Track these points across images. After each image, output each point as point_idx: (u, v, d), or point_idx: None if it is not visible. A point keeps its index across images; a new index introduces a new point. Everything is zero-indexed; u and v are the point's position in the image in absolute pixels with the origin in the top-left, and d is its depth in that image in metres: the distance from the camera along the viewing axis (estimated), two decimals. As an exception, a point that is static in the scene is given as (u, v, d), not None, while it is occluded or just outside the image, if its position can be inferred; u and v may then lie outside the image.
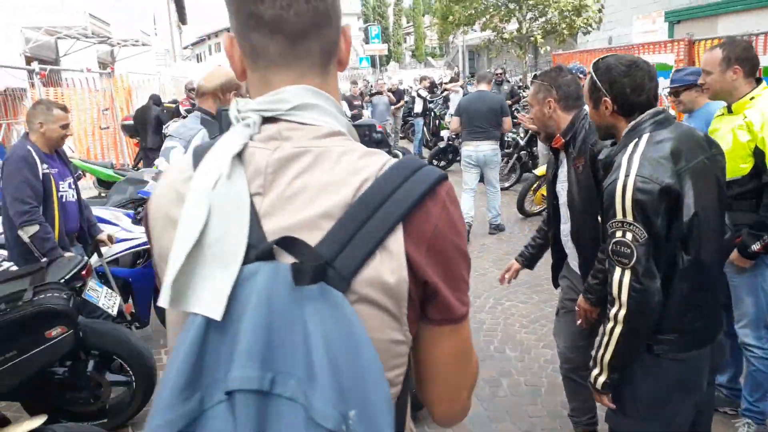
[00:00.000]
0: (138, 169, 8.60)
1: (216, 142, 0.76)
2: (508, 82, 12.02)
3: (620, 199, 1.68)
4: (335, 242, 0.68)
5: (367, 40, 43.04)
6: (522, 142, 9.00)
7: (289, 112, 0.76)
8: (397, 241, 0.70)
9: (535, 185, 7.38)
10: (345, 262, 0.68)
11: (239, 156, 0.73)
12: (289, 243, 0.67)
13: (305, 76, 0.79)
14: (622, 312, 1.70)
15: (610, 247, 1.72)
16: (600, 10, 17.39)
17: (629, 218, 1.67)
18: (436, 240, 0.74)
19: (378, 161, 0.74)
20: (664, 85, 7.88)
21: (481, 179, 6.83)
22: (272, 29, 0.75)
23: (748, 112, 2.58)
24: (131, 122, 8.97)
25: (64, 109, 3.40)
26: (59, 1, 9.50)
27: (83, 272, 2.79)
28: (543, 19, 17.97)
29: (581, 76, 4.86)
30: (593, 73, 1.91)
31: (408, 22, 54.62)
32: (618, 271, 1.70)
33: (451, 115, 12.13)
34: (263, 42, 0.77)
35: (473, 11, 18.22)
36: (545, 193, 6.54)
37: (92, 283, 3.05)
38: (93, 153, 9.65)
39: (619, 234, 1.69)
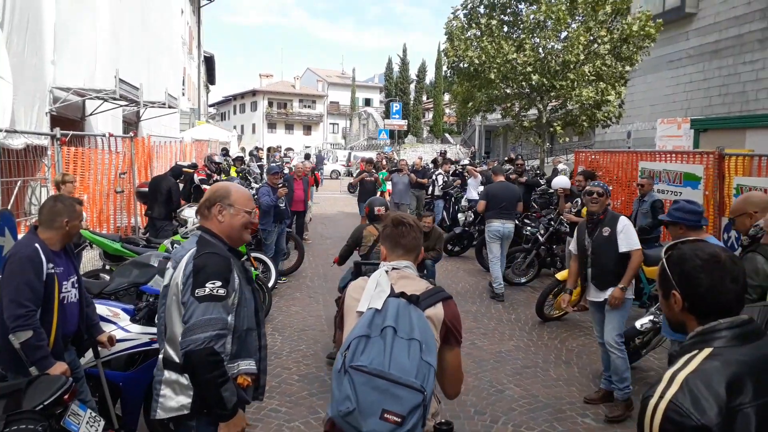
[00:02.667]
0: (146, 236, 8.42)
1: (374, 275, 2.21)
2: (528, 172, 11.91)
3: (649, 421, 1.41)
4: (419, 297, 2.10)
5: (387, 114, 44.12)
6: (542, 239, 8.75)
7: (401, 269, 2.26)
8: (439, 306, 2.12)
9: (555, 289, 7.05)
10: (423, 304, 2.08)
11: (386, 273, 2.21)
12: (403, 293, 2.09)
13: (406, 258, 2.30)
14: None
15: None
16: (621, 105, 17.55)
17: None
18: (453, 313, 2.17)
19: (426, 283, 2.23)
20: (691, 195, 7.71)
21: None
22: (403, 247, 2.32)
23: None
24: (146, 189, 8.87)
25: (80, 203, 3.25)
26: (92, 64, 9.65)
27: (65, 396, 2.49)
28: (563, 110, 18.16)
29: (607, 193, 4.91)
30: (664, 261, 1.64)
31: (428, 98, 56.01)
32: None
33: (467, 199, 12.08)
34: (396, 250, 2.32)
35: (494, 98, 18.48)
36: (562, 303, 6.13)
37: (75, 407, 2.73)
38: (105, 215, 9.52)
39: None
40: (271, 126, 60.02)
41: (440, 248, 7.37)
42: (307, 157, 21.09)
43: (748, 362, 1.43)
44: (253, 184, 12.50)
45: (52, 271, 2.97)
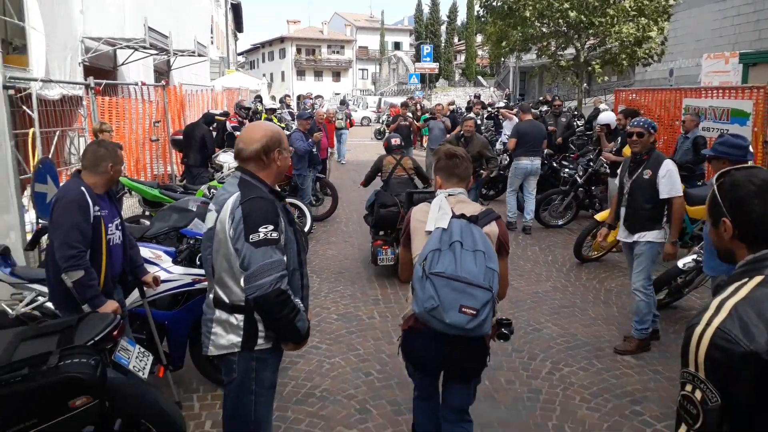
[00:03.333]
0: (183, 183, 8.54)
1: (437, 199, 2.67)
2: (566, 114, 11.53)
3: (694, 349, 1.36)
4: (478, 217, 2.56)
5: (418, 58, 43.09)
6: (580, 180, 8.54)
7: (457, 195, 2.69)
8: (494, 224, 2.60)
9: (594, 230, 6.92)
10: (480, 222, 2.54)
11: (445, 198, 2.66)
12: (463, 215, 2.54)
13: (459, 185, 2.73)
14: None
15: (679, 398, 1.41)
16: (663, 42, 16.74)
17: (701, 374, 1.35)
18: (503, 230, 2.65)
19: (479, 206, 2.72)
20: (738, 132, 7.36)
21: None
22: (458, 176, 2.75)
23: None
24: (180, 137, 8.93)
25: (121, 147, 3.28)
26: (121, 14, 9.57)
27: (114, 333, 2.57)
28: (602, 48, 17.42)
29: (652, 131, 4.49)
30: (716, 187, 1.55)
31: (460, 40, 54.41)
32: (683, 429, 1.39)
33: (503, 142, 11.83)
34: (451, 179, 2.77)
35: (529, 36, 17.81)
36: (599, 238, 6.15)
37: (124, 342, 2.82)
38: (142, 163, 9.67)
39: (688, 388, 1.38)
40: (300, 73, 59.45)
41: (492, 154, 8.26)
42: (343, 102, 20.85)
43: None
44: (284, 132, 12.47)
45: (98, 213, 3.02)
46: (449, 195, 2.65)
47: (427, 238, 2.49)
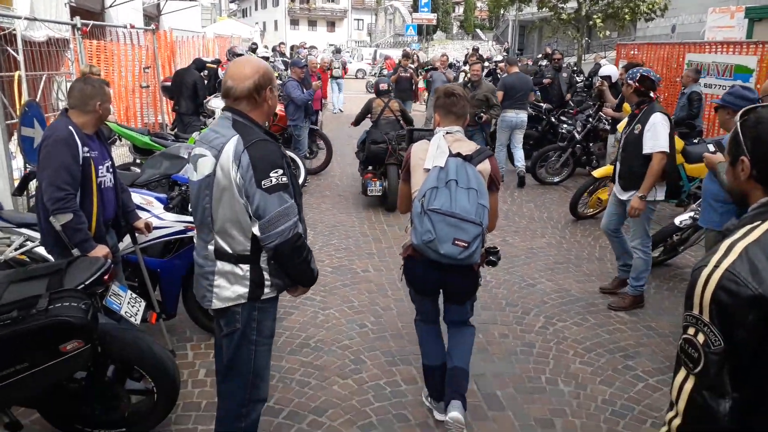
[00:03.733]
0: (174, 131, 8.36)
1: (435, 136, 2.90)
2: (566, 69, 11.30)
3: (700, 291, 1.32)
4: (472, 156, 2.80)
5: (415, 8, 42.00)
6: (578, 137, 8.42)
7: (454, 133, 2.92)
8: (486, 162, 2.84)
9: (591, 187, 6.87)
10: (474, 161, 2.78)
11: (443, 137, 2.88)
12: (459, 154, 2.78)
13: (456, 123, 2.95)
14: (677, 422, 1.36)
15: (680, 342, 1.38)
16: (668, -4, 16.35)
17: (705, 317, 1.31)
18: (495, 167, 2.89)
19: (474, 144, 2.95)
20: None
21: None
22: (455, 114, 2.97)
23: None
24: (170, 84, 8.68)
25: (108, 84, 3.13)
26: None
27: (105, 277, 2.50)
28: (604, 1, 17.00)
29: (629, 81, 4.34)
30: (738, 124, 1.48)
31: (458, -8, 53.02)
32: (682, 373, 1.36)
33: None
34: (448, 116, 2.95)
35: (531, -13, 17.35)
36: (601, 197, 6.25)
37: (115, 287, 2.76)
38: (132, 111, 9.44)
39: (690, 331, 1.34)
40: (294, 22, 57.93)
41: (496, 101, 8.18)
42: (338, 51, 20.36)
43: None
44: (277, 81, 12.20)
45: (88, 154, 2.90)
46: (447, 133, 2.88)
47: (426, 174, 2.77)
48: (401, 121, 7.58)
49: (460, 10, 52.09)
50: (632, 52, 10.94)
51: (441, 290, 3.05)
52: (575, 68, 15.78)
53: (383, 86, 7.85)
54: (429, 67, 14.03)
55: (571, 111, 9.92)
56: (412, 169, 2.92)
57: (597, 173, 6.57)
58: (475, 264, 2.80)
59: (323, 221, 6.78)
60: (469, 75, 8.55)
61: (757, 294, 1.25)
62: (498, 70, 14.12)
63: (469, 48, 26.25)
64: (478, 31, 47.18)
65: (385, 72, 19.58)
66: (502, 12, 27.28)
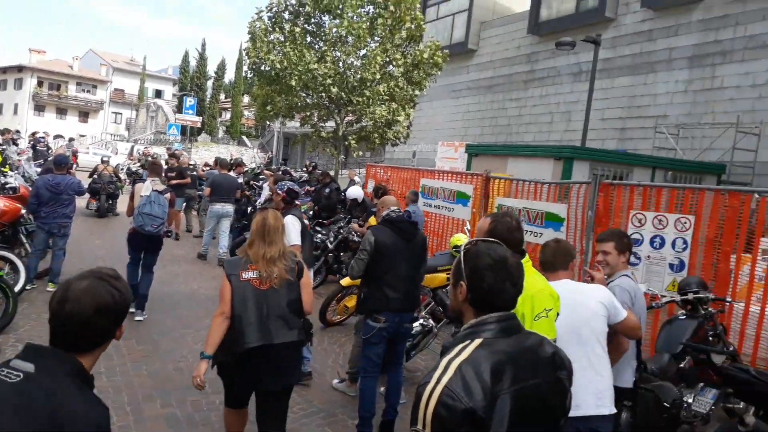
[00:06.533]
0: None
1: None
2: (331, 185, 12.00)
3: (423, 406, 1.45)
4: None
5: (180, 109, 41.48)
6: (331, 246, 8.87)
7: None
8: None
9: (339, 295, 7.18)
10: None
11: None
12: None
13: None
14: None
15: None
16: (409, 126, 18.88)
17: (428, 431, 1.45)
18: None
19: None
20: (460, 212, 8.51)
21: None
22: None
23: None
24: None
25: None
26: None
27: None
28: (358, 125, 18.93)
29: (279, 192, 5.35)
30: (462, 253, 1.73)
31: (226, 97, 54.20)
32: None
33: (260, 202, 11.82)
34: None
35: (294, 105, 18.53)
36: (347, 304, 6.56)
37: None
38: None
39: None
40: (39, 108, 52.54)
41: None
42: (71, 140, 18.82)
43: (510, 352, 1.54)
44: (10, 172, 10.64)
45: None
46: None
47: None
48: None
49: (227, 115, 53.03)
50: (380, 174, 12.26)
51: None
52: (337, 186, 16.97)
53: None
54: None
55: (325, 221, 10.48)
56: None
57: (344, 282, 6.91)
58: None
59: (41, 335, 5.82)
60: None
61: (468, 408, 1.39)
62: (261, 177, 14.47)
63: (234, 153, 26.56)
64: (244, 137, 48.25)
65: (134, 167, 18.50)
66: (267, 123, 28.48)
